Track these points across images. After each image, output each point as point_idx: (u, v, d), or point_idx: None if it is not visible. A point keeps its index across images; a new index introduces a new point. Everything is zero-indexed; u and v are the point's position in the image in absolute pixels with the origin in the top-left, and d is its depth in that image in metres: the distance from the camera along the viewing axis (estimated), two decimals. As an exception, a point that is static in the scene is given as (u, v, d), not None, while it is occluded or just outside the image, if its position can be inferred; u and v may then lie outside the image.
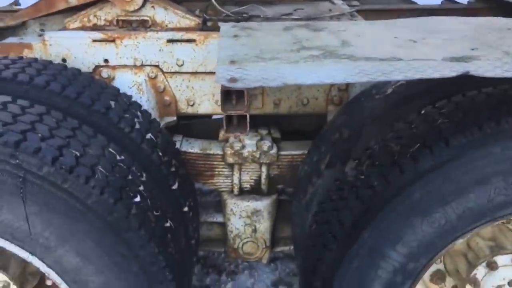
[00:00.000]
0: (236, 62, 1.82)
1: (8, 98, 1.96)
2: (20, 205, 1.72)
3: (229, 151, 2.85)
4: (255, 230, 2.99)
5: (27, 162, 1.70)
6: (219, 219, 3.08)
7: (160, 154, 2.37)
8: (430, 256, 1.90)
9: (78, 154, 1.81)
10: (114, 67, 2.78)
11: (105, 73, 2.77)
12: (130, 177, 1.97)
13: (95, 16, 2.84)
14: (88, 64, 2.76)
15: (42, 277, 2.28)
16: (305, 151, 2.94)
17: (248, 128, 1.63)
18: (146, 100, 2.81)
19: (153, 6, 2.84)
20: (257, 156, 2.85)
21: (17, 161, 1.69)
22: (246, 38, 2.22)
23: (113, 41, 2.74)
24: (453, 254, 2.22)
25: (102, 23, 2.85)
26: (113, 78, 2.79)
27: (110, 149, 2.00)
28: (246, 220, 2.97)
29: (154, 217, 1.96)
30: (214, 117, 3.34)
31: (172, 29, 2.84)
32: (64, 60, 2.74)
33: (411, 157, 1.82)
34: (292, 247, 3.19)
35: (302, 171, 2.65)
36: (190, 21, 2.86)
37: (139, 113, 2.44)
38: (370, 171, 1.92)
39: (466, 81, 1.67)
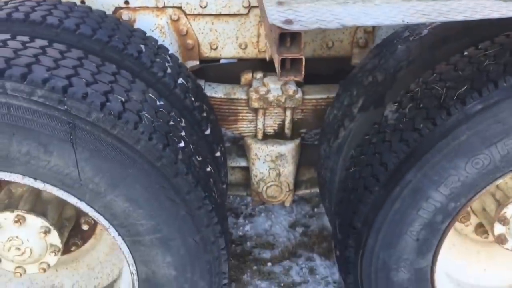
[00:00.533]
0: (284, 3, 1.77)
1: (45, 42, 1.89)
2: (70, 151, 1.70)
3: (254, 95, 2.82)
4: (279, 174, 3.02)
5: (76, 108, 1.67)
6: (242, 163, 3.09)
7: (193, 99, 2.34)
8: (470, 196, 1.94)
9: (124, 100, 1.78)
10: (135, 9, 2.69)
11: (126, 15, 2.68)
12: (172, 122, 1.95)
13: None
14: (107, 6, 2.67)
15: (78, 221, 2.30)
16: (329, 95, 2.92)
17: (303, 72, 1.60)
18: (169, 43, 2.74)
19: None
20: (282, 100, 2.83)
21: (66, 107, 1.65)
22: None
23: (133, -18, 2.64)
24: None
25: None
26: (134, 21, 2.70)
27: (150, 94, 1.97)
28: (270, 164, 2.99)
29: (198, 162, 1.96)
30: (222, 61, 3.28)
31: (197, -29, 2.74)
32: (82, 2, 2.64)
33: (458, 99, 1.82)
34: (313, 190, 3.25)
35: (330, 115, 2.64)
36: (214, -38, 2.75)
37: (168, 57, 2.38)
38: (414, 114, 1.93)
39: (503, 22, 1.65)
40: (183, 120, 2.08)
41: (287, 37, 1.59)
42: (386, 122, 2.05)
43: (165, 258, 1.91)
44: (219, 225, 1.96)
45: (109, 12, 2.67)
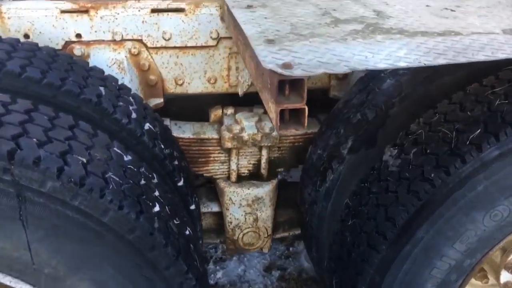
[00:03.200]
0: (274, 42, 1.51)
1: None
2: (20, 231, 1.35)
3: (226, 135, 2.54)
4: (256, 219, 2.74)
5: (26, 177, 1.33)
6: (215, 208, 2.79)
7: (162, 146, 2.03)
8: (486, 251, 1.73)
9: (85, 161, 1.45)
10: (88, 43, 2.37)
11: (78, 50, 2.35)
12: (143, 181, 1.64)
13: (62, -18, 2.38)
14: (56, 40, 2.33)
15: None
16: (307, 131, 2.69)
17: (306, 124, 1.34)
18: (129, 80, 2.42)
19: (132, -31, 2.42)
20: (258, 139, 2.57)
21: (13, 176, 1.31)
22: (263, 9, 1.90)
23: (86, 11, 2.32)
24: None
25: (72, -10, 2.40)
26: (88, 56, 2.38)
27: (116, 148, 1.65)
28: (246, 209, 2.71)
29: (176, 227, 1.65)
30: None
31: (157, -3, 2.45)
32: (26, 36, 2.30)
33: (472, 144, 1.62)
34: (291, 232, 2.99)
35: (313, 155, 2.40)
36: (177, -13, 2.47)
37: (131, 99, 2.07)
38: (422, 161, 1.70)
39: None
40: (155, 176, 1.77)
41: (285, 84, 1.32)
42: (387, 169, 1.82)
43: None
44: (203, 299, 1.65)
45: (58, 47, 2.34)
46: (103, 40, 2.37)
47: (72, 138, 1.52)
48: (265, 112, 2.75)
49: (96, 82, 1.96)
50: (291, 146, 2.73)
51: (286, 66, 1.32)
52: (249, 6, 1.91)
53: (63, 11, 2.29)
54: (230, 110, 2.72)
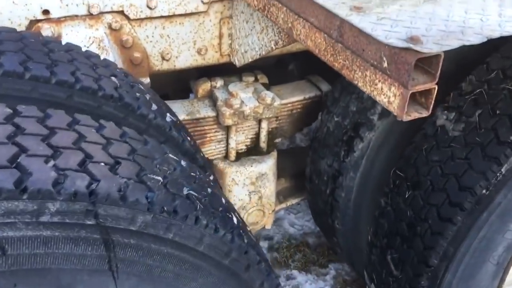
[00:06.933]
0: (363, 9, 1.29)
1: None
2: (110, 284, 1.05)
3: (227, 111, 2.28)
4: (261, 197, 2.55)
5: (112, 216, 1.01)
6: (214, 192, 2.54)
7: (188, 138, 1.74)
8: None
9: (162, 180, 1.16)
10: (59, 21, 1.94)
11: (46, 30, 1.91)
12: (209, 189, 1.37)
13: None
14: (18, 20, 1.88)
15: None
16: (305, 95, 2.52)
17: (431, 106, 1.17)
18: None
19: None
20: (260, 111, 2.34)
21: (97, 219, 0.99)
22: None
23: (54, -19, 1.88)
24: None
25: (31, -46, 1.91)
26: (59, 37, 1.95)
27: (170, 154, 1.35)
28: (250, 187, 2.51)
29: (247, 235, 1.42)
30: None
31: (136, -42, 2.05)
32: (-22, 18, 1.82)
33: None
34: (289, 202, 2.85)
35: (329, 123, 2.23)
36: None
37: (141, 86, 1.73)
38: (493, 123, 1.61)
39: None
40: (210, 178, 1.50)
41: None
42: (447, 134, 1.71)
43: None
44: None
45: (21, 28, 1.88)
46: (77, 16, 1.96)
47: (134, 152, 1.20)
48: (256, 79, 2.51)
49: (105, 71, 1.59)
50: (289, 114, 2.53)
51: (415, 40, 1.11)
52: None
53: (25, -17, 1.83)
54: (219, 82, 2.45)
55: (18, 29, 1.87)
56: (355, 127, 2.09)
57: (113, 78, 1.57)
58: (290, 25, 1.54)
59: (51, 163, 0.99)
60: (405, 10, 1.29)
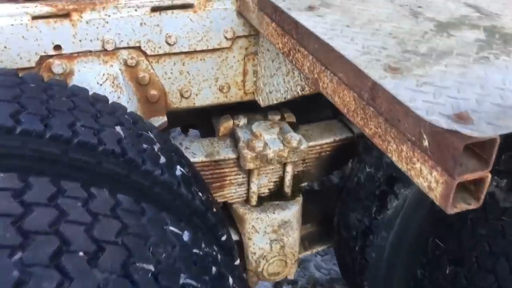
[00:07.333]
0: (401, 70, 1.09)
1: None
2: None
3: (248, 154, 2.10)
4: (283, 246, 2.35)
5: None
6: (233, 237, 2.36)
7: (200, 194, 1.57)
8: None
9: (154, 269, 0.98)
10: (71, 56, 1.81)
11: (57, 66, 1.79)
12: (214, 268, 1.19)
13: (30, -24, 1.78)
14: (28, 56, 1.75)
15: None
16: (335, 138, 2.32)
17: (483, 196, 0.96)
18: (126, 100, 1.90)
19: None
20: (285, 155, 2.15)
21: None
22: (331, 11, 1.45)
23: (67, 16, 1.75)
24: None
25: (43, -13, 1.80)
26: (71, 73, 1.82)
27: (171, 227, 1.17)
28: (272, 235, 2.31)
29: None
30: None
31: (156, -10, 1.91)
32: (-18, 52, 1.71)
33: None
34: (315, 249, 2.64)
35: (360, 174, 2.02)
36: (181, -24, 1.94)
37: (150, 133, 1.57)
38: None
39: None
40: (215, 249, 1.32)
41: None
42: (497, 205, 1.48)
43: None
44: None
45: (30, 64, 1.77)
46: (91, 51, 1.82)
47: (124, 231, 1.03)
48: (283, 118, 2.33)
49: (110, 120, 1.44)
50: (317, 157, 2.34)
51: (463, 118, 0.91)
52: (310, 8, 1.45)
53: (35, 17, 1.71)
54: (243, 120, 2.28)
55: (28, 65, 1.76)
56: (389, 182, 1.88)
57: (117, 128, 1.42)
58: (316, 76, 1.36)
59: (17, 256, 0.83)
60: (451, 72, 1.09)
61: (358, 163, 2.04)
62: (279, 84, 1.89)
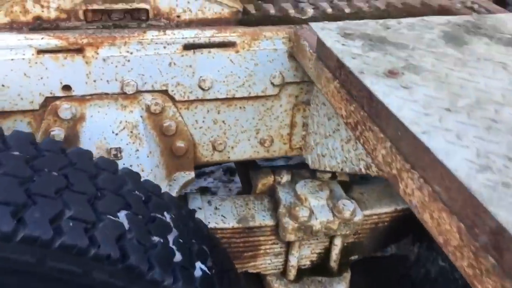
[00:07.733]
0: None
1: None
2: None
3: (290, 225, 1.71)
4: (324, 331, 1.95)
5: None
6: (264, 314, 1.99)
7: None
8: None
9: None
10: (83, 99, 1.48)
11: (66, 110, 1.46)
12: None
13: (37, 2, 1.45)
14: (31, 96, 1.43)
15: None
16: (397, 207, 1.90)
17: None
18: (146, 154, 1.56)
19: (153, -19, 1.52)
20: (334, 228, 1.75)
21: None
22: (419, 78, 1.06)
23: (79, 51, 1.42)
24: None
25: (54, 15, 1.47)
26: (81, 119, 1.49)
27: None
28: (311, 318, 1.92)
29: None
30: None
31: (191, 23, 1.55)
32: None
33: None
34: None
35: (418, 273, 1.61)
36: (223, 8, 1.57)
37: (167, 218, 1.21)
38: None
39: None
40: None
41: None
42: None
43: None
44: None
45: (33, 107, 1.44)
46: (107, 94, 1.49)
47: None
48: (333, 177, 1.93)
49: (112, 202, 1.09)
50: (373, 228, 1.93)
51: None
52: (391, 73, 1.06)
53: (41, 51, 1.39)
54: (285, 177, 1.90)
55: (30, 107, 1.44)
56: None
57: (121, 215, 1.07)
58: (395, 172, 0.97)
59: None
60: None
61: (427, 250, 1.62)
62: (336, 150, 1.50)
